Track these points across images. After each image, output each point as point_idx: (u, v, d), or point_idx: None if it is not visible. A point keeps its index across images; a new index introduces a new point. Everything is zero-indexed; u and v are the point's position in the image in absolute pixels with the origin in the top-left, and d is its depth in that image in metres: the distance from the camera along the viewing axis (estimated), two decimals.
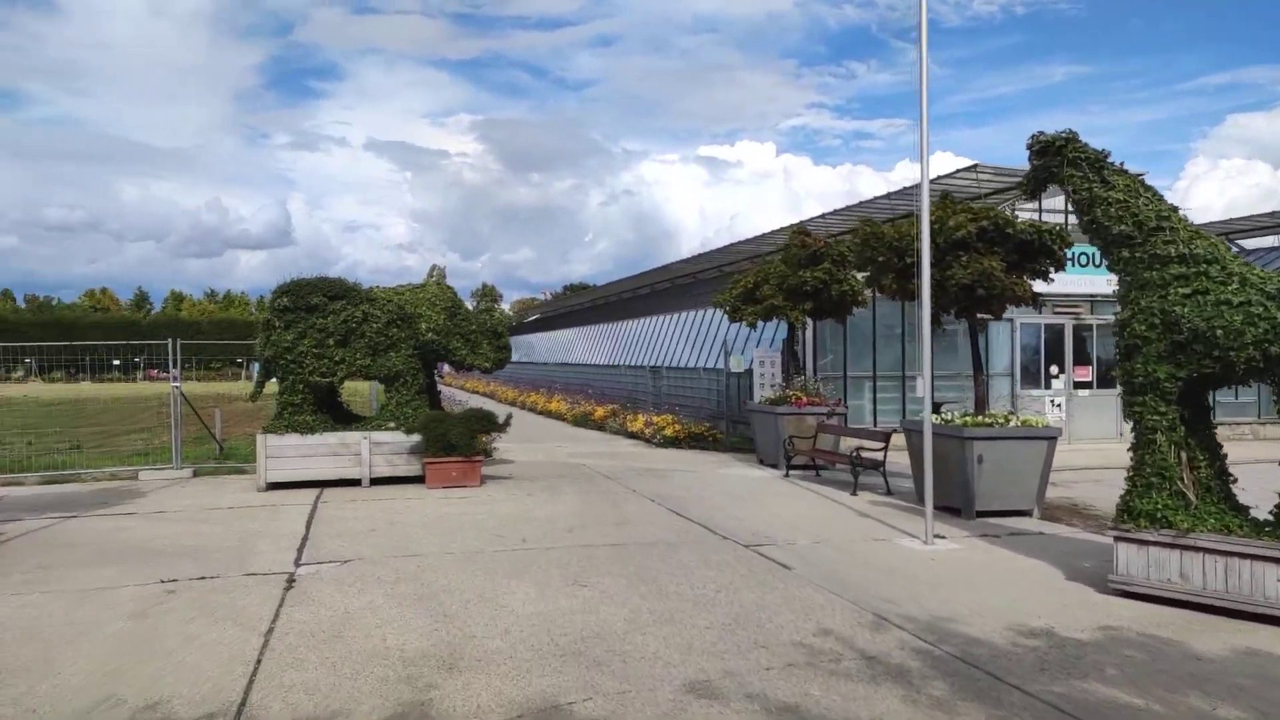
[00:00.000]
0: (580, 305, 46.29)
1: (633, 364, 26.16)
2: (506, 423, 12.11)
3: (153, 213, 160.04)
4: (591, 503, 10.52)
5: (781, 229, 20.75)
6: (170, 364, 13.02)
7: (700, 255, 26.84)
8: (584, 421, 22.53)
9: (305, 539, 8.39)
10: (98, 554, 7.73)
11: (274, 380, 11.92)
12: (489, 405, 24.87)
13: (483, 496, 10.98)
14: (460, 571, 7.08)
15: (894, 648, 5.31)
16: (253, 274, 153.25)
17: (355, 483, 11.81)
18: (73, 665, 4.89)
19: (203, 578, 6.86)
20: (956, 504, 9.75)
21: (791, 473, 13.34)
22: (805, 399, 14.14)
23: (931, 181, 14.48)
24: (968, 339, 11.33)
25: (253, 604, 6.12)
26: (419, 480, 12.03)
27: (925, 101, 7.88)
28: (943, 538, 8.51)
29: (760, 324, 15.15)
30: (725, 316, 15.90)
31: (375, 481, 11.90)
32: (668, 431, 17.60)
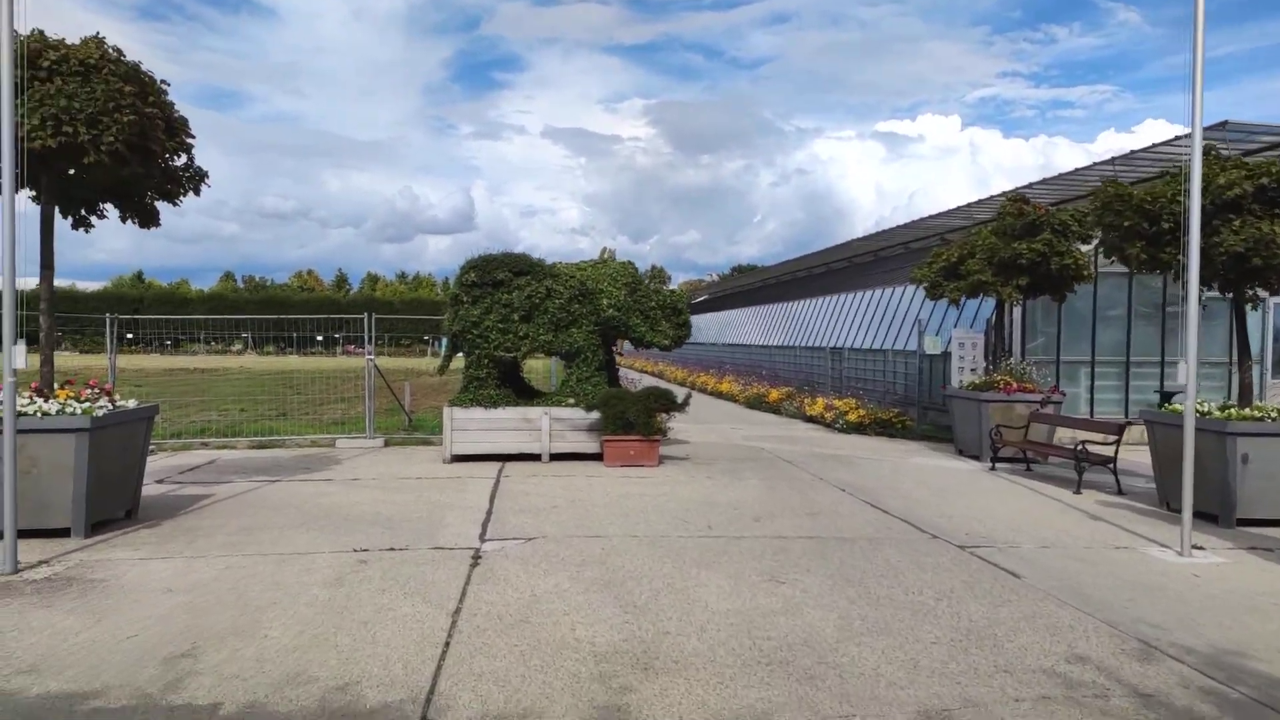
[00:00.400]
0: (750, 285, 45.34)
1: (809, 345, 25.10)
2: (685, 402, 11.65)
3: (353, 200, 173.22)
4: (777, 490, 9.86)
5: (981, 201, 19.03)
6: (365, 339, 13.52)
7: (884, 231, 25.26)
8: (757, 404, 21.82)
9: (489, 513, 8.29)
10: (298, 518, 7.95)
11: (460, 355, 12.06)
12: (661, 385, 24.64)
13: (661, 477, 10.58)
14: (646, 557, 6.66)
15: (1174, 684, 4.34)
16: (440, 257, 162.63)
17: (535, 458, 11.77)
18: (271, 633, 4.85)
19: (392, 549, 6.83)
20: (1211, 509, 8.32)
21: (998, 465, 12.06)
22: (1015, 385, 12.76)
23: (1166, 144, 12.62)
24: (1211, 320, 9.66)
25: (441, 579, 5.96)
26: (596, 457, 11.83)
27: (1200, 31, 6.56)
28: (1201, 549, 7.22)
29: (962, 301, 13.80)
30: (918, 294, 14.69)
31: (554, 457, 11.80)
32: (851, 416, 16.58)
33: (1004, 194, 14.77)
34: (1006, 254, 12.45)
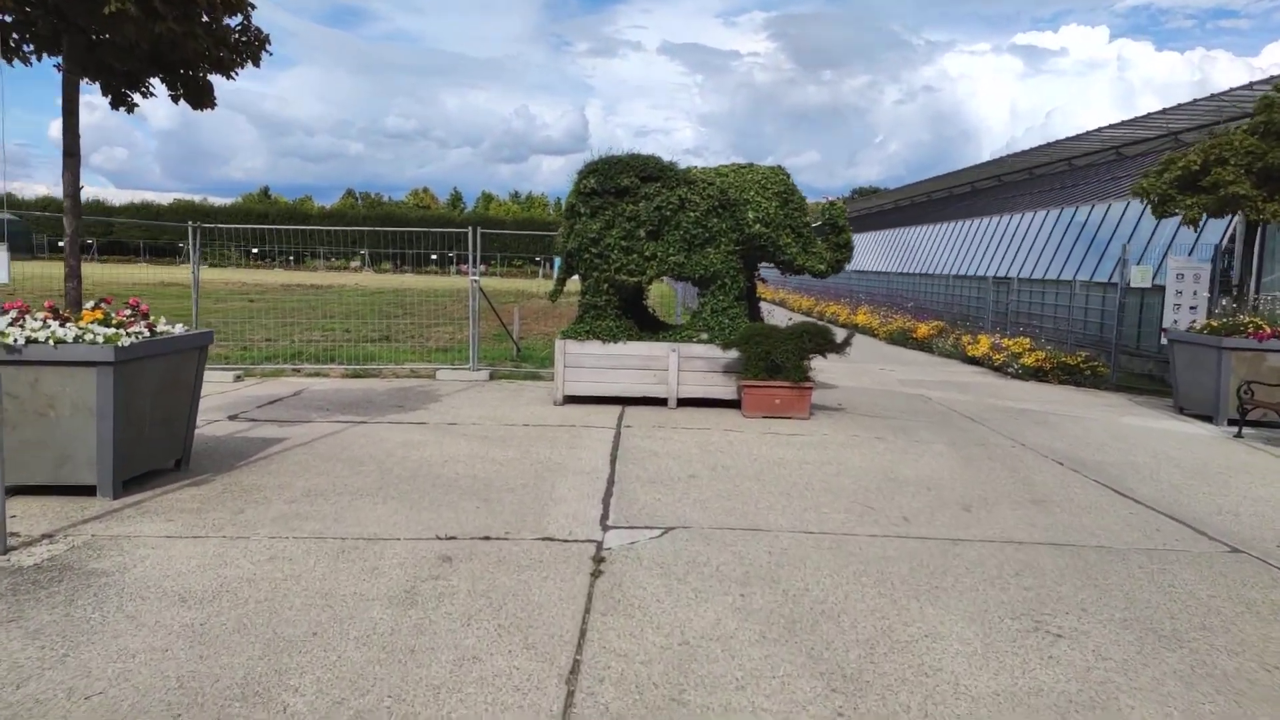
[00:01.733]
0: (881, 207, 41.66)
1: (962, 273, 22.14)
2: (846, 343, 9.47)
3: (470, 120, 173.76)
4: (974, 460, 7.68)
5: (1179, 106, 15.55)
6: (470, 258, 11.86)
7: (1046, 145, 21.72)
8: (902, 340, 19.28)
9: (611, 482, 6.50)
10: (377, 478, 6.37)
11: (576, 278, 10.21)
12: (784, 318, 22.27)
13: (817, 435, 8.55)
14: (834, 572, 4.71)
15: None
16: (553, 178, 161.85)
17: (660, 402, 9.93)
18: (294, 704, 3.18)
19: (488, 537, 5.12)
20: None
21: (1245, 430, 9.45)
22: (1268, 330, 9.96)
23: None
24: None
25: (550, 600, 4.20)
26: (733, 405, 9.89)
27: None
28: None
29: (1200, 222, 10.88)
30: (1106, 215, 11.80)
31: (682, 402, 9.93)
32: (1027, 360, 13.96)
33: (1269, 81, 11.56)
34: (1275, 160, 9.51)
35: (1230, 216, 11.67)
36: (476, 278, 11.83)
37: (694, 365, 9.86)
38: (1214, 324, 10.44)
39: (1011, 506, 6.21)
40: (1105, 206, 17.40)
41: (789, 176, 10.03)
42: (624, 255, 9.60)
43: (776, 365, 9.36)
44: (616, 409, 9.71)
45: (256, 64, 6.56)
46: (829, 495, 6.32)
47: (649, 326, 10.58)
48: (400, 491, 6.05)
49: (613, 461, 7.16)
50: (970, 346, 15.95)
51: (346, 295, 31.49)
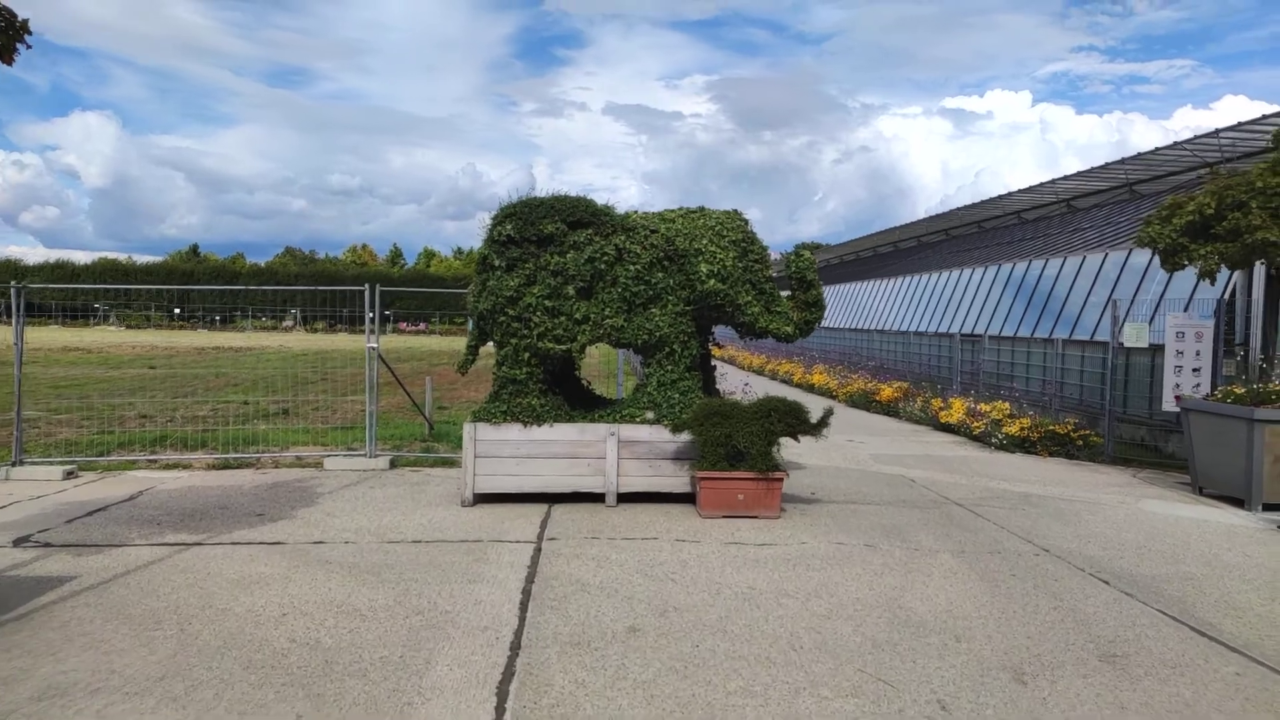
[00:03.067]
0: (828, 260, 40.90)
1: (916, 329, 20.86)
2: (824, 423, 7.72)
3: (416, 177, 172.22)
4: (997, 581, 5.92)
5: (1176, 145, 14.61)
6: (368, 321, 9.90)
7: (1003, 197, 20.85)
8: (864, 403, 17.74)
9: (517, 648, 4.54)
10: (168, 657, 4.32)
11: (492, 345, 8.33)
12: (736, 379, 20.63)
13: (794, 545, 6.73)
14: None
15: None
16: None
17: (596, 499, 8.04)
18: None
19: None
20: None
21: None
22: None
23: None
24: None
25: None
26: (686, 500, 8.06)
27: None
28: None
29: (1217, 270, 9.51)
30: (1082, 267, 10.48)
31: (624, 498, 8.05)
32: (1010, 428, 12.45)
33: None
34: None
35: (1230, 270, 10.41)
36: (374, 344, 9.85)
37: (638, 451, 8.00)
38: (1238, 390, 9.01)
39: (1077, 669, 4.43)
40: (1060, 261, 16.29)
41: (747, 223, 8.37)
42: (549, 318, 7.77)
43: (739, 452, 7.57)
44: (540, 509, 7.78)
45: (9, 60, 4.63)
46: (825, 658, 4.46)
47: (582, 403, 8.71)
48: (192, 683, 4.01)
49: (523, 606, 5.20)
50: (943, 412, 14.43)
51: (266, 358, 28.96)
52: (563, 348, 7.83)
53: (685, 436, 7.87)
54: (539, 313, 7.74)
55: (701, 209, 8.31)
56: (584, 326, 7.85)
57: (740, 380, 18.64)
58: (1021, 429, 12.39)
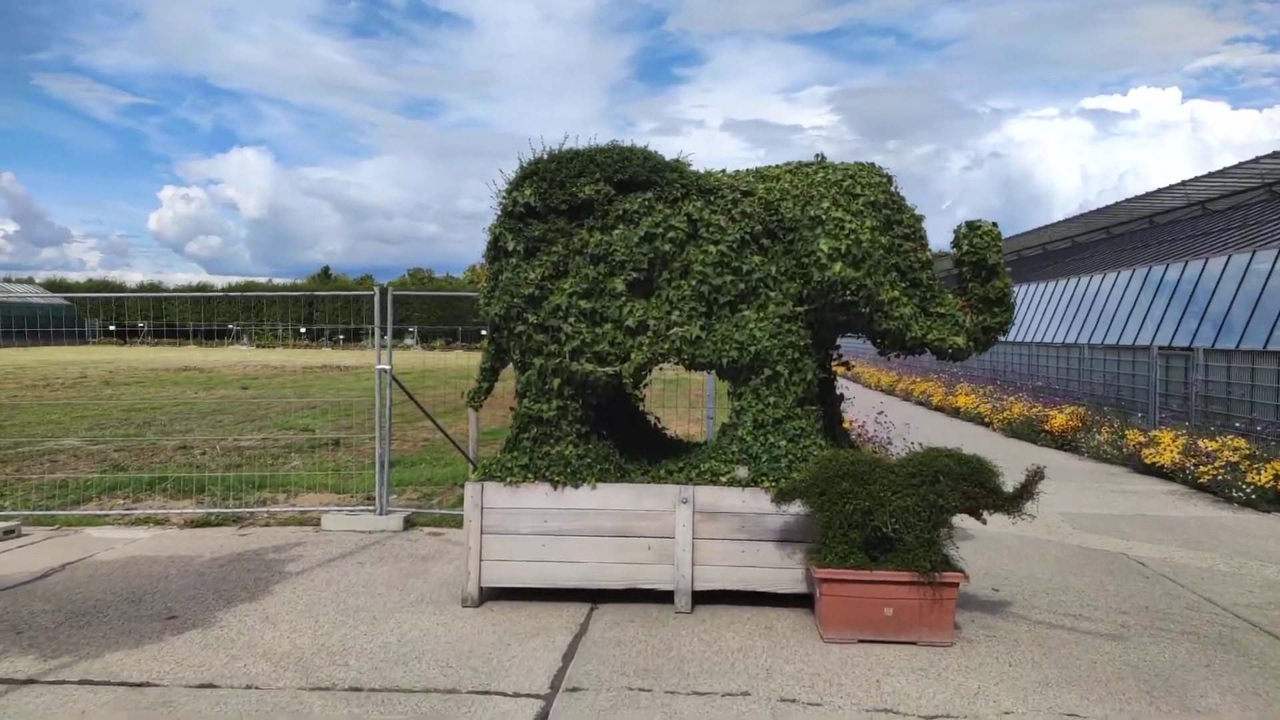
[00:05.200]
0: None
1: (1094, 341, 17.07)
2: (1027, 493, 4.72)
3: None
4: None
5: None
6: (376, 331, 7.59)
7: (1226, 170, 16.83)
8: (1029, 433, 14.24)
9: None
10: None
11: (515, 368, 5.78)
12: (863, 403, 17.50)
13: (990, 714, 3.84)
14: None
15: None
16: None
17: (660, 598, 5.35)
18: None
19: None
20: None
21: None
22: None
23: None
24: None
25: None
26: (799, 602, 5.26)
27: None
28: None
29: None
30: None
31: (703, 598, 5.33)
32: (1261, 477, 8.93)
33: None
34: None
35: None
36: (385, 364, 7.51)
37: (724, 528, 5.27)
38: None
39: None
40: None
41: (891, 180, 5.50)
42: (587, 326, 5.15)
43: (884, 538, 4.73)
44: (576, 615, 5.16)
45: None
46: None
47: (648, 450, 6.03)
48: None
49: None
50: (1147, 450, 10.92)
51: (342, 382, 27.66)
52: (608, 370, 5.19)
53: (796, 508, 5.08)
54: (572, 318, 5.14)
55: (821, 160, 5.50)
56: (641, 339, 5.19)
57: (870, 405, 15.49)
58: (1275, 477, 8.85)
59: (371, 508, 7.70)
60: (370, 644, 4.69)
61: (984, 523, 4.84)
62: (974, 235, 5.41)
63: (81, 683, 4.16)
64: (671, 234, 5.11)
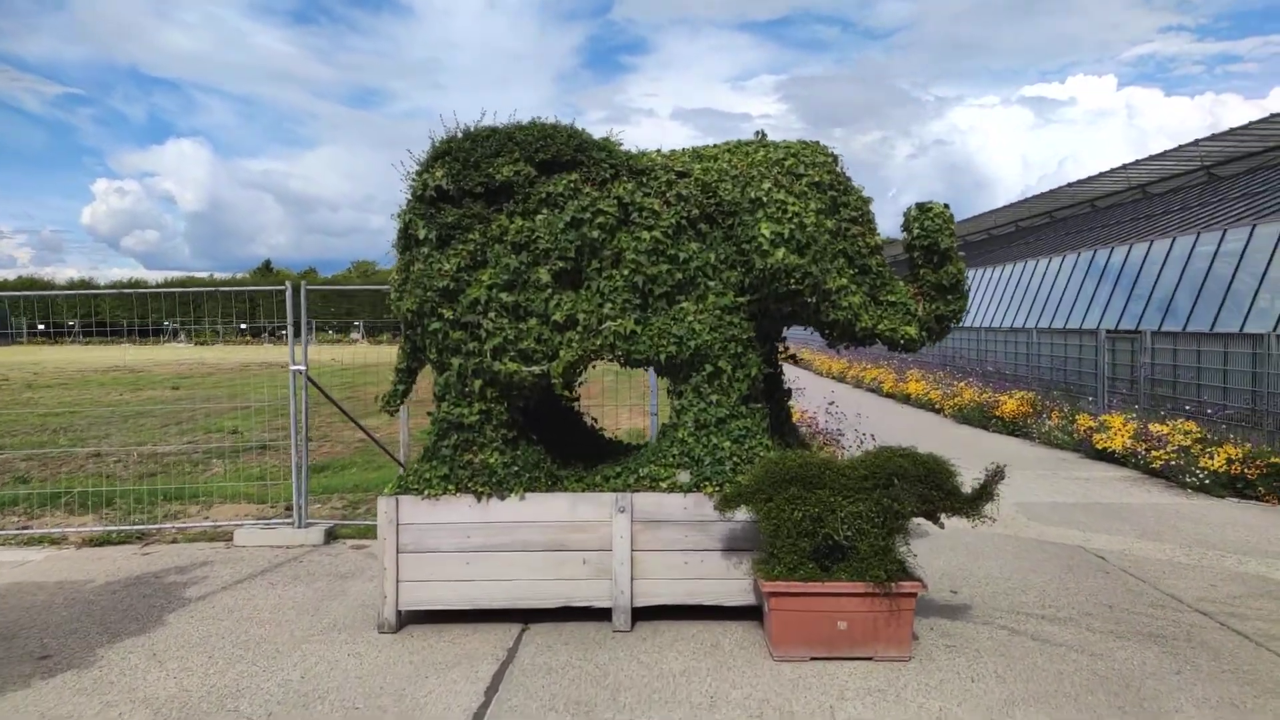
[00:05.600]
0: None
1: (1043, 325, 17.08)
2: (986, 494, 4.38)
3: None
4: None
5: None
6: (290, 329, 6.99)
7: (1166, 153, 16.94)
8: (980, 418, 14.14)
9: None
10: None
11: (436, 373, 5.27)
12: (815, 392, 17.33)
13: None
14: None
15: None
16: None
17: (598, 616, 4.92)
18: None
19: None
20: None
21: None
22: None
23: None
24: None
25: None
26: (747, 615, 4.87)
27: None
28: None
29: None
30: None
31: (645, 614, 4.92)
32: (1213, 462, 8.83)
33: None
34: None
35: None
36: (300, 365, 6.93)
37: (665, 538, 4.85)
38: None
39: None
40: (1242, 232, 12.43)
41: (836, 159, 5.11)
42: (509, 322, 4.67)
43: (837, 546, 4.36)
44: (505, 638, 4.71)
45: None
46: None
47: (580, 450, 5.59)
48: None
49: None
50: (1098, 435, 10.81)
51: (279, 379, 26.53)
52: (534, 370, 4.71)
53: (742, 515, 4.69)
54: (493, 313, 4.65)
55: (763, 139, 5.08)
56: (570, 334, 4.73)
57: (821, 393, 15.26)
58: (1228, 461, 8.75)
59: (291, 520, 7.12)
60: (268, 683, 4.18)
61: (942, 527, 4.50)
62: (925, 218, 5.06)
63: None
64: (600, 219, 4.65)
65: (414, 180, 4.78)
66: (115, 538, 7.10)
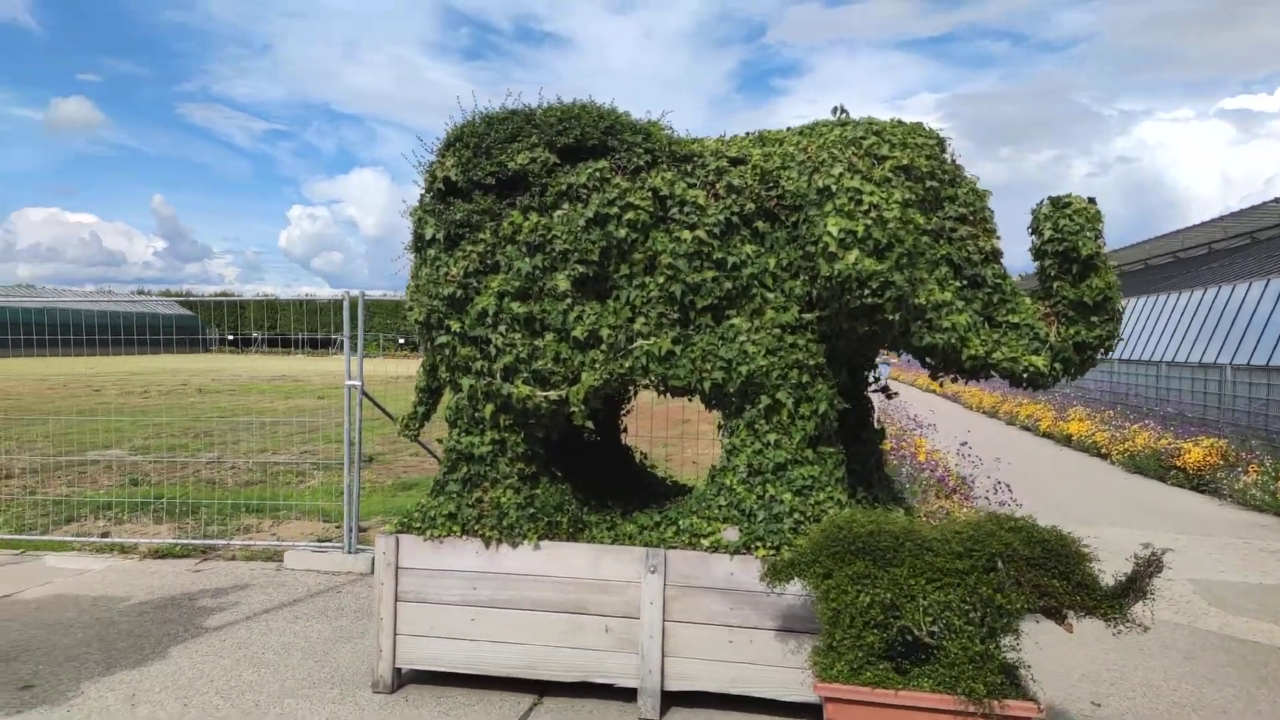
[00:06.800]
0: None
1: (1248, 362, 14.59)
2: (1137, 586, 3.20)
3: None
4: None
5: None
6: (346, 341, 6.59)
7: None
8: (1155, 467, 12.10)
9: None
10: None
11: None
12: (950, 427, 15.70)
13: None
14: None
15: None
16: None
17: (624, 697, 4.06)
18: None
19: None
20: None
21: None
22: None
23: None
24: None
25: None
26: (803, 712, 3.85)
27: None
28: None
29: None
30: None
31: (674, 698, 4.01)
32: None
33: None
34: None
35: None
36: (356, 381, 6.50)
37: (704, 609, 3.94)
38: None
39: None
40: None
41: (941, 143, 4.05)
42: (522, 337, 3.94)
43: (916, 641, 3.31)
44: (511, 710, 3.94)
45: None
46: None
47: (624, 490, 4.76)
48: None
49: None
50: None
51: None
52: (550, 396, 3.94)
53: (796, 589, 3.71)
54: (503, 326, 3.94)
55: (842, 114, 4.10)
56: (593, 353, 3.93)
57: (959, 430, 13.62)
58: None
59: (334, 546, 6.70)
60: None
61: (1069, 630, 3.33)
62: (1060, 215, 3.90)
63: None
64: (630, 215, 3.84)
65: (430, 169, 4.15)
66: (178, 550, 6.93)
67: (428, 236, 4.06)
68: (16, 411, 16.67)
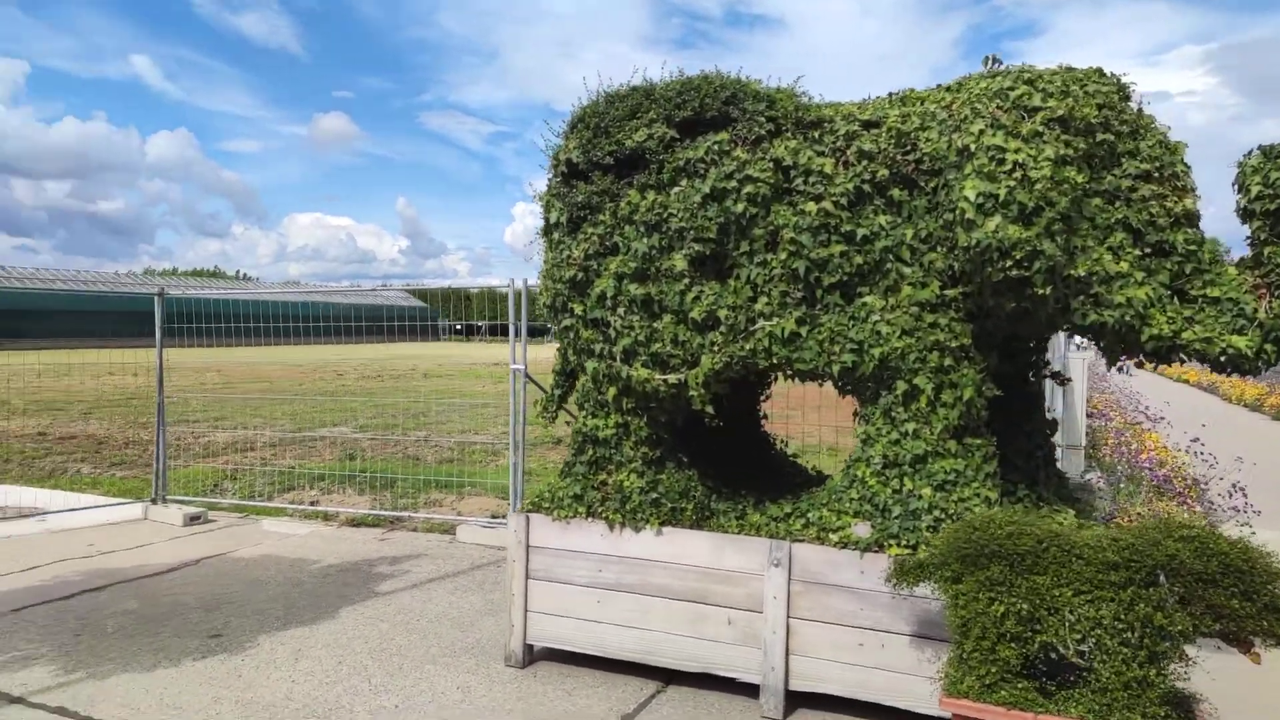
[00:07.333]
0: None
1: None
2: None
3: None
4: None
5: None
6: (512, 327, 6.83)
7: None
8: None
9: None
10: None
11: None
12: (1186, 414, 13.85)
13: None
14: None
15: None
16: None
17: (744, 691, 3.89)
18: None
19: None
20: None
21: None
22: None
23: None
24: None
25: None
26: None
27: None
28: None
29: None
30: None
31: (799, 699, 3.79)
32: None
33: None
34: None
35: None
36: (520, 365, 6.73)
37: (832, 607, 3.68)
38: None
39: None
40: None
41: (1120, 89, 3.48)
42: (640, 319, 3.86)
43: (1062, 660, 2.88)
44: (630, 696, 3.91)
45: None
46: None
47: (751, 470, 4.57)
48: None
49: None
50: None
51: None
52: (667, 380, 3.84)
53: (927, 592, 3.36)
54: (621, 309, 3.88)
55: (994, 63, 3.63)
56: (712, 335, 3.78)
57: (1205, 423, 11.90)
58: None
59: (501, 521, 6.99)
60: (362, 707, 3.85)
61: (1257, 662, 2.75)
62: (1273, 167, 3.24)
63: (57, 711, 3.80)
64: (749, 189, 3.63)
65: (556, 153, 4.18)
66: (370, 520, 7.57)
67: (552, 220, 4.09)
68: (271, 392, 19.06)
